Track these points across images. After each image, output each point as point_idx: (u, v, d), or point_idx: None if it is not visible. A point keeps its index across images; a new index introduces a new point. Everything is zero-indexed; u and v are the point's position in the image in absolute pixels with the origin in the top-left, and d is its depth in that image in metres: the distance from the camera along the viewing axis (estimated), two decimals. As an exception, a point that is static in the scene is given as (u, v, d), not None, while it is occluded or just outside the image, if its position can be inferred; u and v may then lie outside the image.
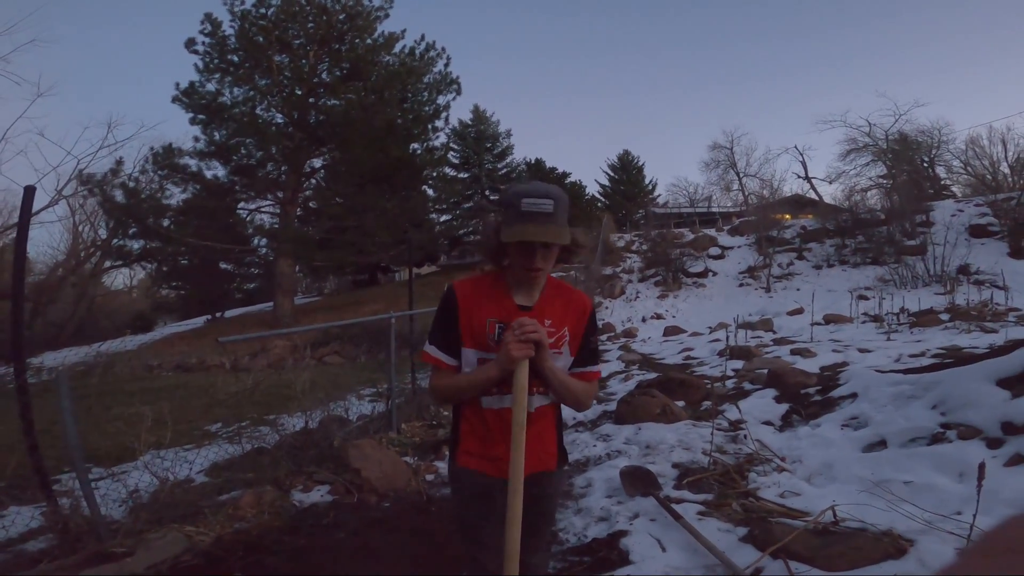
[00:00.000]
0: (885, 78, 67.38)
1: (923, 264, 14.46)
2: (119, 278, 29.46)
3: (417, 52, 20.58)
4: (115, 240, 20.85)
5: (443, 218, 29.20)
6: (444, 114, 21.47)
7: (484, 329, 1.31)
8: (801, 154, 37.19)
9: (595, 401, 1.56)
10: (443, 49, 20.94)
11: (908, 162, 30.99)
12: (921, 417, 3.25)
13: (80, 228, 22.42)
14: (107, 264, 22.85)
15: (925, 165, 32.28)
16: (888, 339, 7.51)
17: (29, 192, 2.61)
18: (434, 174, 23.54)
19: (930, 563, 1.95)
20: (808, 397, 4.43)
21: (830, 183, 43.71)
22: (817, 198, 32.18)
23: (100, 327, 21.83)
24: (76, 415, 2.27)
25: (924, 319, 8.80)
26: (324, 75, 20.30)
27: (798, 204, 28.70)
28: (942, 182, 32.21)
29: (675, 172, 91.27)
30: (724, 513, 2.65)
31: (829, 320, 10.48)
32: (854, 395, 4.03)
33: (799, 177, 37.37)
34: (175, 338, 19.85)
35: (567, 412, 4.76)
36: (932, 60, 65.63)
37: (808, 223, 20.77)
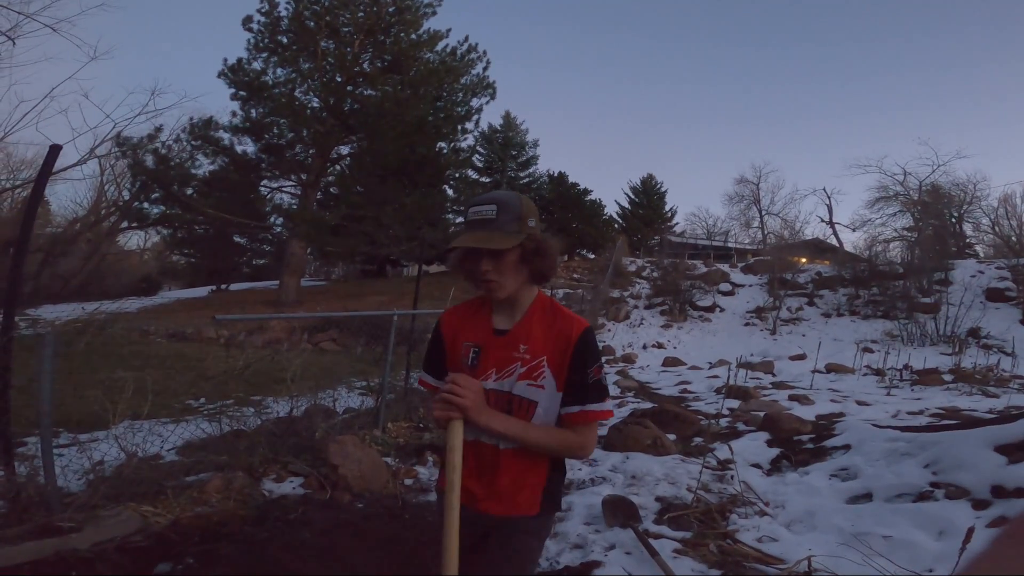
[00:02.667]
0: (929, 126, 66.67)
1: (934, 323, 14.27)
2: (133, 239, 29.76)
3: (459, 52, 20.77)
4: (136, 203, 21.16)
5: (459, 219, 29.24)
6: (476, 116, 21.57)
7: (460, 354, 1.28)
8: (828, 197, 37.00)
9: (588, 448, 1.30)
10: (484, 52, 21.08)
11: (937, 216, 30.59)
12: (912, 474, 3.22)
13: (105, 187, 22.73)
14: (124, 225, 23.14)
15: (953, 220, 31.84)
16: (888, 394, 7.40)
17: (53, 151, 2.62)
18: (457, 175, 23.62)
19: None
20: (800, 444, 4.38)
21: (853, 230, 43.49)
22: (837, 244, 31.95)
23: (106, 286, 22.03)
24: (57, 376, 2.24)
25: (927, 378, 8.66)
26: (365, 65, 20.59)
27: (817, 249, 28.49)
28: (967, 239, 31.79)
29: (697, 202, 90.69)
30: (700, 553, 2.60)
31: (831, 369, 10.34)
32: (847, 447, 3.99)
33: (822, 221, 37.17)
34: (177, 304, 20.01)
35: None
36: (979, 111, 64.69)
37: (824, 269, 20.59)
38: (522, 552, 1.27)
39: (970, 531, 1.90)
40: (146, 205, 20.76)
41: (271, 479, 3.20)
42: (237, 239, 26.23)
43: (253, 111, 19.57)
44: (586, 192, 31.78)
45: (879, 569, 2.21)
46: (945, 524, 2.60)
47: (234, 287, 27.25)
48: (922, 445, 3.47)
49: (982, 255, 27.89)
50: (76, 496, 2.37)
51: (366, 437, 4.08)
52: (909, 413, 5.68)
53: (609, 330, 16.25)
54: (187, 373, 5.73)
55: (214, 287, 26.43)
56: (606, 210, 33.46)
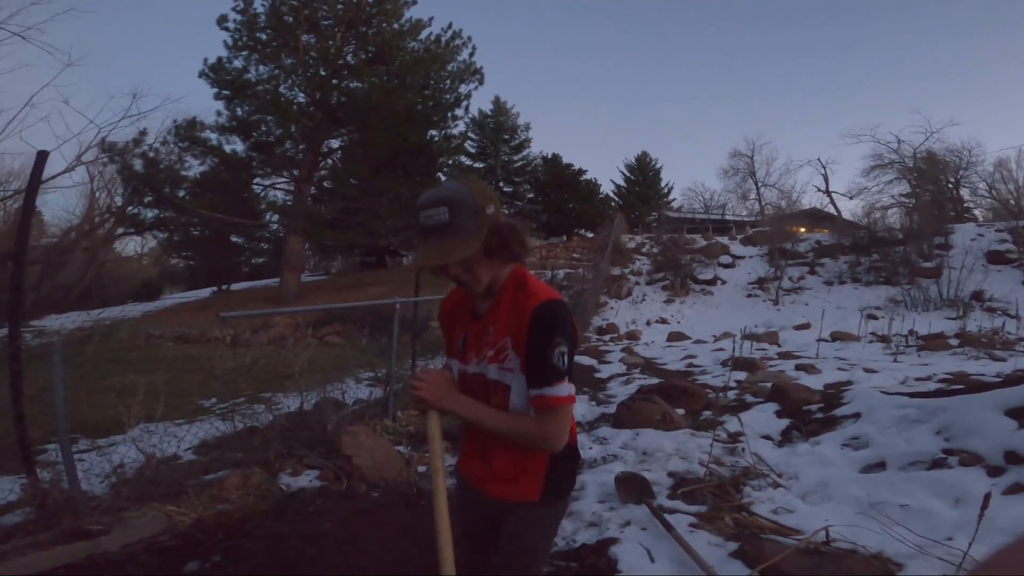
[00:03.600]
0: (920, 95, 66.40)
1: (937, 287, 14.26)
2: (130, 245, 29.74)
3: (443, 40, 20.59)
4: (130, 208, 21.07)
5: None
6: (465, 103, 21.49)
7: (455, 338, 1.33)
8: (823, 167, 36.79)
9: (550, 439, 1.16)
10: (469, 38, 20.93)
11: (933, 181, 30.50)
12: (924, 441, 3.21)
13: (97, 194, 22.63)
14: (120, 231, 23.10)
15: (950, 186, 31.76)
16: (895, 360, 7.41)
17: (41, 157, 2.58)
18: (450, 162, 23.53)
19: (915, 588, 1.91)
20: (810, 414, 4.38)
21: (851, 198, 43.44)
22: (835, 213, 31.82)
23: (107, 293, 22.08)
24: (69, 384, 2.25)
25: (933, 343, 8.68)
26: (349, 57, 20.37)
27: (815, 218, 28.36)
28: (965, 204, 31.71)
29: (693, 177, 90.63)
30: (716, 527, 2.61)
31: (836, 337, 10.36)
32: (857, 415, 3.98)
33: (819, 191, 37.06)
34: (180, 308, 20.04)
35: (577, 409, 4.71)
36: (970, 80, 64.38)
37: (823, 238, 20.53)
38: (525, 541, 1.23)
39: (987, 498, 1.90)
40: (140, 210, 20.72)
41: (287, 473, 3.23)
42: (234, 239, 26.16)
43: (238, 110, 19.41)
44: (581, 172, 31.73)
45: (899, 538, 2.20)
46: (961, 492, 2.59)
47: (235, 287, 27.25)
48: (932, 411, 3.45)
49: (981, 219, 27.82)
50: (101, 499, 2.39)
51: (377, 427, 4.10)
52: (917, 379, 5.67)
53: (612, 308, 16.26)
54: (196, 374, 5.77)
55: (215, 288, 26.43)
56: (602, 189, 33.48)
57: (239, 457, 3.19)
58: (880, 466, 3.15)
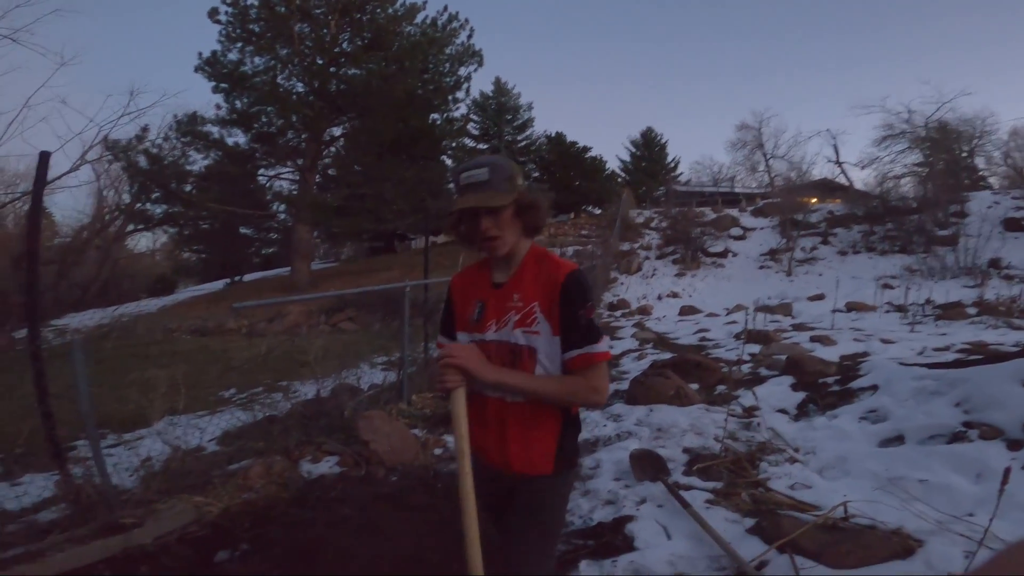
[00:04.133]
0: (930, 66, 64.44)
1: (953, 255, 14.00)
2: (142, 241, 30.13)
3: (439, 23, 20.41)
4: (138, 204, 21.31)
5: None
6: (465, 85, 21.38)
7: (469, 311, 1.34)
8: (833, 138, 36.06)
9: (601, 392, 1.25)
10: (466, 20, 20.74)
11: (946, 151, 29.75)
12: (943, 414, 3.15)
13: (104, 193, 22.85)
14: (130, 228, 23.38)
15: (964, 155, 30.98)
16: (912, 330, 7.31)
17: (44, 158, 2.59)
18: (453, 145, 23.43)
19: (937, 565, 1.91)
20: (826, 387, 4.34)
21: (862, 168, 42.58)
22: (847, 183, 31.21)
23: (123, 289, 22.43)
24: (91, 381, 2.29)
25: (950, 312, 8.53)
26: (345, 45, 20.18)
27: (827, 188, 27.81)
28: (980, 173, 30.93)
29: (700, 151, 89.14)
30: (733, 503, 2.61)
31: (851, 308, 10.23)
32: (875, 387, 3.93)
33: (830, 161, 36.30)
34: (195, 301, 20.30)
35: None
36: (981, 50, 62.27)
37: (836, 208, 20.17)
38: (544, 515, 1.30)
39: (1007, 472, 1.87)
40: (148, 206, 20.98)
41: (308, 460, 3.29)
42: (243, 230, 26.34)
43: (237, 102, 19.44)
44: (586, 150, 31.43)
45: (918, 514, 2.18)
46: (982, 466, 2.54)
47: (248, 278, 27.50)
48: (951, 382, 3.39)
49: (996, 187, 27.11)
50: (132, 492, 2.47)
51: (393, 411, 4.13)
52: (935, 349, 5.56)
53: (622, 283, 16.19)
54: (214, 365, 5.87)
55: (228, 280, 26.71)
56: (608, 166, 33.13)
57: (261, 446, 3.26)
58: (898, 440, 3.11)
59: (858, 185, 29.16)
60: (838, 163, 35.39)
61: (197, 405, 3.53)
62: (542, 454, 1.26)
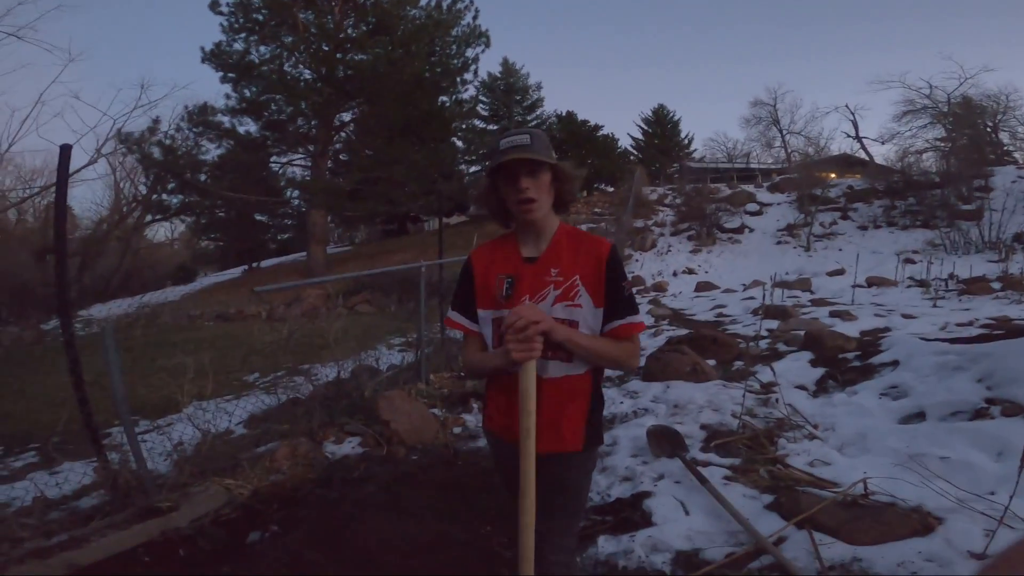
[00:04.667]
0: (950, 41, 61.64)
1: (978, 229, 13.64)
2: (161, 231, 30.64)
3: (444, 5, 20.16)
4: (155, 195, 21.66)
5: (472, 169, 29.04)
6: (473, 67, 21.23)
7: (494, 287, 1.31)
8: (852, 113, 34.91)
9: (638, 359, 1.38)
10: (471, 2, 20.43)
11: (970, 126, 28.74)
12: (965, 390, 3.10)
13: (121, 185, 23.21)
14: (148, 218, 23.81)
15: (988, 130, 29.97)
16: (934, 306, 7.17)
17: (65, 150, 2.63)
18: (463, 126, 23.31)
19: (956, 543, 1.90)
20: (846, 362, 4.29)
21: (883, 143, 41.16)
22: (867, 158, 30.37)
23: (144, 278, 22.94)
24: (122, 368, 2.37)
25: (974, 287, 8.34)
26: (350, 30, 20.00)
27: (846, 163, 27.01)
28: (1005, 148, 29.88)
29: (713, 127, 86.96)
30: (751, 479, 2.61)
31: (872, 283, 10.06)
32: (895, 363, 3.88)
33: (849, 136, 35.21)
34: (215, 288, 20.70)
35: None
36: (1004, 24, 59.26)
37: (856, 183, 19.65)
38: (573, 490, 1.33)
39: None
40: (165, 196, 21.35)
41: (331, 441, 3.37)
42: (259, 217, 26.63)
43: (246, 91, 19.48)
44: (597, 128, 31.06)
45: (939, 491, 2.16)
46: (1003, 444, 2.49)
47: (265, 264, 27.89)
48: (974, 358, 3.33)
49: (1022, 162, 26.17)
50: (166, 477, 2.56)
51: (412, 391, 4.18)
52: (958, 325, 5.44)
53: (636, 260, 16.05)
54: (238, 350, 6.01)
55: (246, 266, 27.13)
56: (620, 144, 32.68)
57: (285, 428, 3.35)
58: (919, 416, 3.07)
59: (878, 160, 28.35)
60: (858, 138, 34.40)
61: (223, 389, 3.63)
62: (572, 431, 1.28)
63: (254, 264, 27.24)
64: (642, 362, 4.62)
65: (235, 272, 27.00)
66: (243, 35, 19.18)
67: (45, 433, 3.62)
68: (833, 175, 22.26)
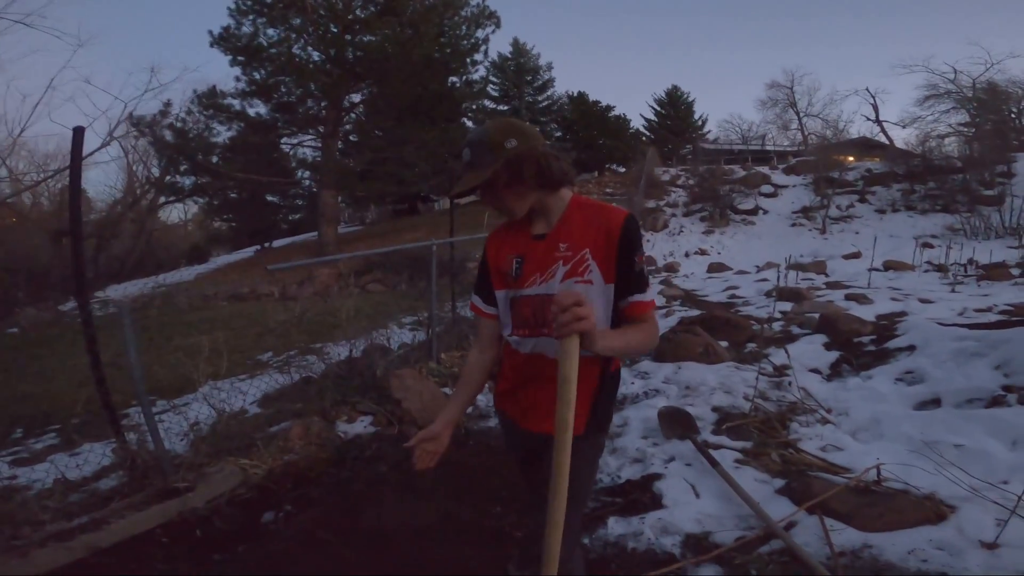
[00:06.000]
0: (975, 27, 59.41)
1: (999, 215, 13.34)
2: (174, 213, 30.98)
3: None
4: (168, 177, 21.86)
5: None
6: (483, 48, 20.93)
7: (506, 266, 1.29)
8: (872, 96, 34.07)
9: (657, 338, 1.26)
10: (480, -18, 19.98)
11: (995, 112, 28.01)
12: (982, 377, 3.05)
13: (134, 167, 23.39)
14: (162, 200, 24.05)
15: (1013, 116, 29.21)
16: (952, 291, 7.04)
17: (79, 133, 2.63)
18: (473, 107, 23.13)
19: (968, 532, 1.88)
20: (861, 346, 4.22)
21: (904, 127, 40.31)
22: (887, 142, 29.71)
23: (159, 259, 23.26)
24: (139, 348, 2.39)
25: (993, 272, 8.16)
26: (359, 11, 19.75)
27: (864, 147, 26.37)
28: None
29: (728, 109, 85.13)
30: (762, 463, 2.60)
31: (889, 266, 9.89)
32: (912, 348, 3.82)
33: (869, 120, 34.37)
34: (228, 268, 20.93)
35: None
36: None
37: (874, 166, 19.22)
38: (573, 475, 1.16)
39: None
40: (177, 178, 21.56)
41: (343, 421, 3.40)
42: (270, 198, 26.81)
43: (256, 74, 19.37)
44: (609, 108, 30.65)
45: (953, 479, 2.13)
46: (1019, 433, 2.45)
47: (277, 244, 28.14)
48: (992, 344, 3.27)
49: None
50: (183, 457, 2.60)
51: (423, 369, 4.16)
52: (976, 310, 5.36)
53: (648, 240, 15.92)
54: (251, 329, 6.07)
55: (258, 247, 27.40)
56: (632, 124, 32.19)
57: (298, 408, 3.38)
58: (935, 403, 3.03)
59: (898, 144, 27.70)
60: (878, 121, 33.59)
61: (237, 369, 3.67)
62: (577, 413, 1.19)
63: (266, 244, 27.49)
64: (654, 342, 4.57)
65: (248, 252, 27.26)
66: (251, 18, 19.07)
67: (65, 414, 3.68)
68: (851, 158, 21.78)
